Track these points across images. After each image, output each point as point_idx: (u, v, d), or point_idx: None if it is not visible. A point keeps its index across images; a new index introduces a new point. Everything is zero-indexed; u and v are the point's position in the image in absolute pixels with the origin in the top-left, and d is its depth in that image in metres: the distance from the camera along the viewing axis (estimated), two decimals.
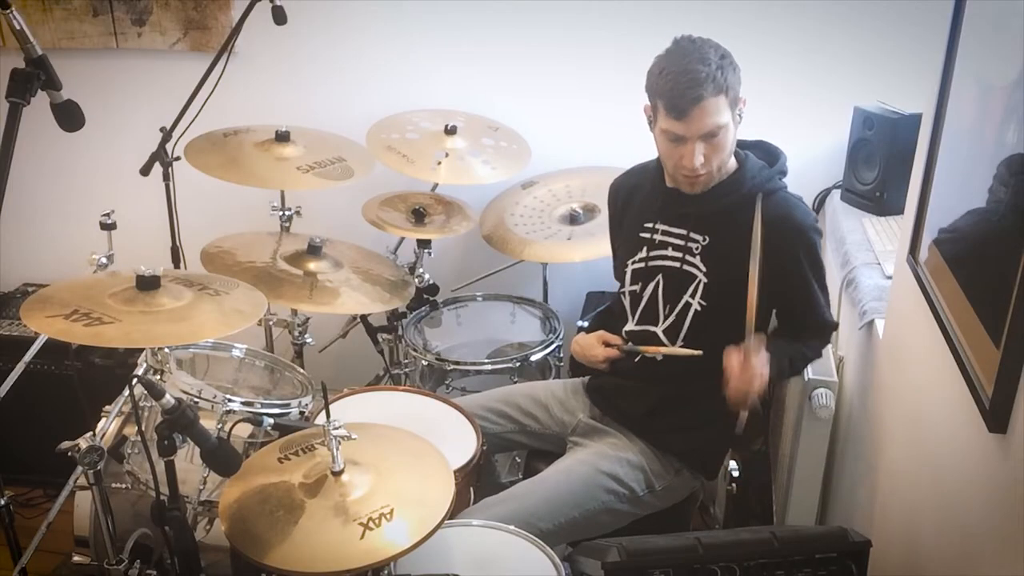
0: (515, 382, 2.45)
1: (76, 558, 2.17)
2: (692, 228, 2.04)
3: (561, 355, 2.63)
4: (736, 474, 2.31)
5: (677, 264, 2.05)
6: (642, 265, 2.09)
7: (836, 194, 2.78)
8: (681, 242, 2.05)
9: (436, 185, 2.83)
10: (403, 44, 2.96)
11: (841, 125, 2.71)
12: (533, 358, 2.50)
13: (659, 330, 2.07)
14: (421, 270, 2.71)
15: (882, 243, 2.37)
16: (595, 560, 1.56)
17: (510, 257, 2.72)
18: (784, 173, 2.10)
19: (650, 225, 2.10)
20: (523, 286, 2.98)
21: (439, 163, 2.68)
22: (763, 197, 1.99)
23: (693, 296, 2.03)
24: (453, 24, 2.91)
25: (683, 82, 1.88)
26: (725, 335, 1.90)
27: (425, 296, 2.70)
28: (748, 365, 1.84)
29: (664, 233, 2.07)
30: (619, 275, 2.19)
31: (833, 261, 2.55)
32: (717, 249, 2.01)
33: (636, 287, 2.11)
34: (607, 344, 2.14)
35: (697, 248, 2.03)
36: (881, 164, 2.54)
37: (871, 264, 2.27)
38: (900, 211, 2.17)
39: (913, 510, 1.66)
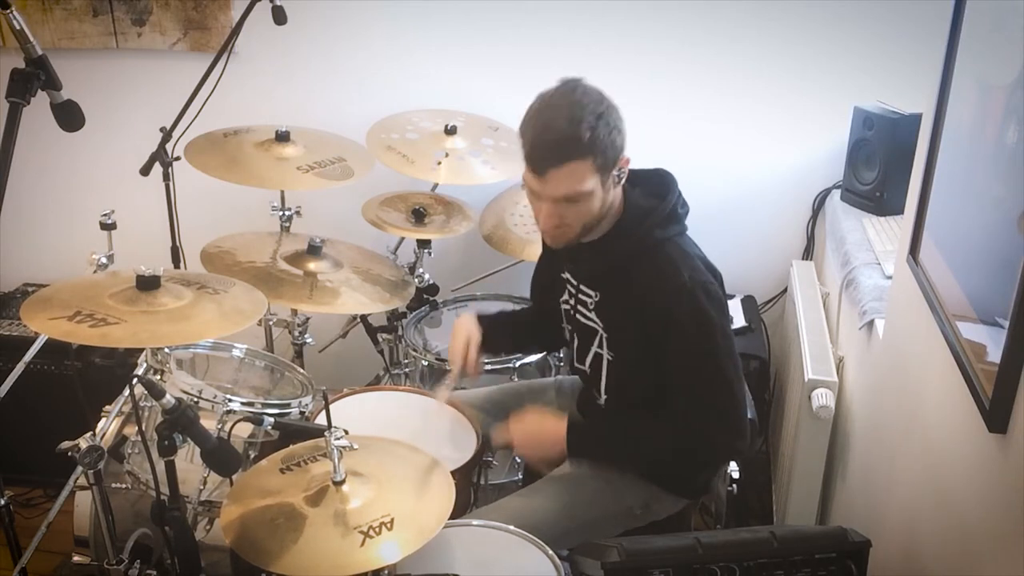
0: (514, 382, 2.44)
1: (76, 558, 2.17)
2: (584, 282, 1.94)
3: (561, 355, 2.62)
4: (736, 474, 2.30)
5: (581, 317, 1.96)
6: (568, 308, 2.02)
7: (836, 194, 2.78)
8: (581, 295, 1.95)
9: (436, 185, 2.83)
10: (403, 44, 2.96)
11: (841, 125, 2.72)
12: (533, 358, 2.50)
13: (589, 372, 2.00)
14: (421, 270, 2.71)
15: (882, 243, 2.37)
16: (595, 560, 1.56)
17: (510, 257, 2.72)
18: (673, 215, 1.86)
19: (564, 272, 2.00)
20: (523, 286, 2.97)
21: (439, 163, 2.68)
22: (638, 256, 1.83)
23: (601, 347, 1.92)
24: (453, 24, 2.91)
25: (545, 140, 1.71)
26: (642, 385, 1.90)
27: (425, 296, 2.70)
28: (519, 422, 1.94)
29: (569, 283, 1.98)
30: (534, 288, 2.19)
31: (833, 261, 2.56)
32: (608, 305, 1.89)
33: (568, 327, 2.04)
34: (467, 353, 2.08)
35: (592, 303, 1.92)
36: (881, 164, 2.54)
37: (871, 264, 2.27)
38: (900, 211, 2.17)
39: (913, 510, 1.66)
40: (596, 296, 1.92)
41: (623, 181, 1.82)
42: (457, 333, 2.12)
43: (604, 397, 1.98)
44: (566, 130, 1.69)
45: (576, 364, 2.05)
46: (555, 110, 1.73)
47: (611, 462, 1.98)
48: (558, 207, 1.77)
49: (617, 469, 1.98)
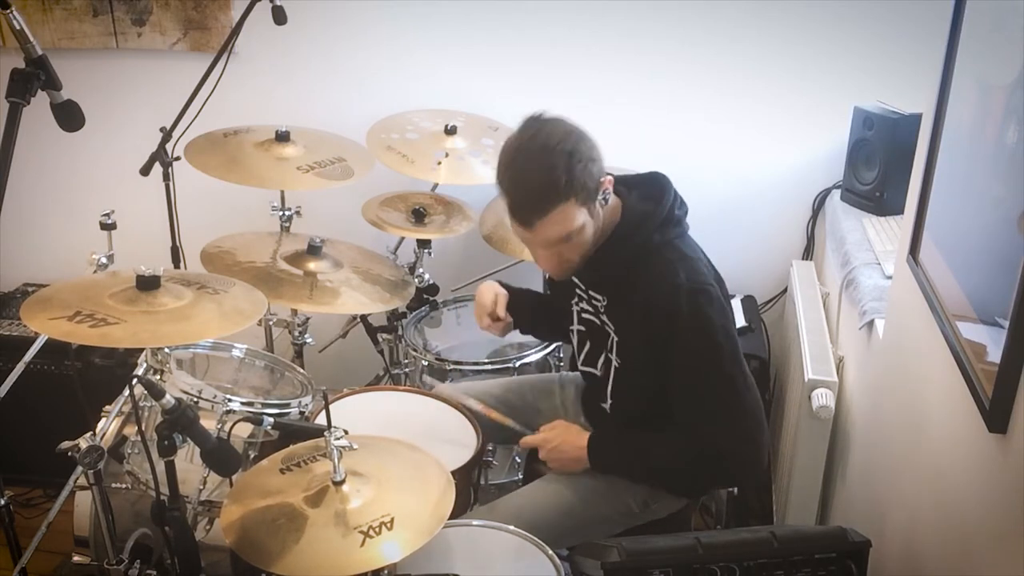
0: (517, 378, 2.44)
1: (76, 558, 2.17)
2: (592, 287, 1.94)
3: (561, 355, 2.62)
4: None
5: (595, 320, 1.96)
6: (579, 310, 2.01)
7: (836, 194, 2.78)
8: (592, 299, 1.95)
9: (436, 185, 2.83)
10: (403, 44, 2.96)
11: (841, 125, 2.72)
12: (533, 358, 2.50)
13: (599, 375, 2.00)
14: (421, 270, 2.71)
15: (882, 243, 2.37)
16: (595, 560, 1.56)
17: (510, 257, 2.72)
18: (670, 218, 1.85)
19: (575, 278, 1.99)
20: (523, 286, 2.98)
21: (439, 163, 2.68)
22: (637, 261, 1.83)
23: (611, 352, 1.92)
24: (453, 24, 2.91)
25: (524, 194, 1.71)
26: (647, 392, 1.90)
27: (425, 296, 2.70)
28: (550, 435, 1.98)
29: (579, 287, 1.99)
30: (548, 286, 2.18)
31: (833, 261, 2.56)
32: (616, 309, 1.90)
33: (580, 328, 2.04)
34: (494, 317, 2.11)
35: (601, 307, 1.93)
36: (881, 164, 2.54)
37: (871, 264, 2.27)
38: (900, 211, 2.17)
39: (913, 510, 1.66)
40: (604, 300, 1.92)
41: (609, 200, 1.81)
42: (484, 290, 2.15)
43: (609, 402, 1.98)
44: (542, 179, 1.69)
45: (583, 367, 2.05)
46: (525, 160, 1.72)
47: (631, 476, 1.97)
48: (553, 249, 1.78)
49: (636, 481, 1.98)
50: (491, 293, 2.14)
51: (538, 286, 2.94)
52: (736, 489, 2.32)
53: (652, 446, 1.92)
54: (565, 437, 1.98)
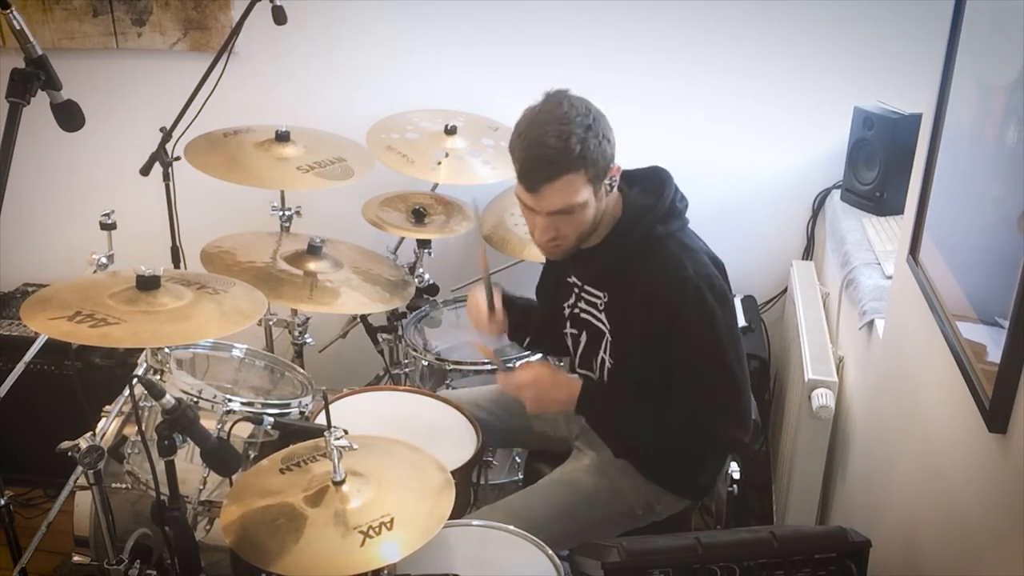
0: None
1: (76, 558, 2.17)
2: (593, 284, 1.94)
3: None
4: (736, 474, 2.30)
5: (591, 318, 1.96)
6: (574, 311, 2.01)
7: (836, 194, 2.79)
8: (590, 297, 1.95)
9: (436, 185, 2.83)
10: (403, 44, 2.96)
11: (841, 125, 2.72)
12: (532, 358, 2.50)
13: (595, 377, 2.00)
14: (421, 270, 2.72)
15: (882, 243, 2.37)
16: (595, 560, 1.56)
17: (510, 257, 2.72)
18: (672, 210, 1.86)
19: (572, 277, 2.00)
20: (523, 286, 2.97)
21: (439, 163, 2.68)
22: (640, 254, 1.85)
23: (605, 352, 1.93)
24: (453, 24, 2.91)
25: (535, 156, 1.73)
26: (642, 391, 1.90)
27: (425, 296, 2.71)
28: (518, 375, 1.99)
29: (576, 286, 1.99)
30: (540, 293, 2.19)
31: (833, 261, 2.56)
32: (616, 306, 1.90)
33: (574, 331, 2.03)
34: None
35: (601, 304, 1.92)
36: (881, 164, 2.54)
37: (871, 264, 2.27)
38: (900, 211, 2.17)
39: (913, 510, 1.66)
40: (604, 297, 1.92)
41: (615, 188, 1.83)
42: (477, 289, 2.13)
43: None
44: (556, 145, 1.71)
45: (580, 369, 2.05)
46: (544, 126, 1.73)
47: (613, 428, 1.97)
48: (553, 220, 1.79)
49: (616, 441, 1.99)
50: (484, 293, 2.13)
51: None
52: (736, 489, 2.31)
53: (644, 407, 1.92)
54: (554, 373, 1.98)
